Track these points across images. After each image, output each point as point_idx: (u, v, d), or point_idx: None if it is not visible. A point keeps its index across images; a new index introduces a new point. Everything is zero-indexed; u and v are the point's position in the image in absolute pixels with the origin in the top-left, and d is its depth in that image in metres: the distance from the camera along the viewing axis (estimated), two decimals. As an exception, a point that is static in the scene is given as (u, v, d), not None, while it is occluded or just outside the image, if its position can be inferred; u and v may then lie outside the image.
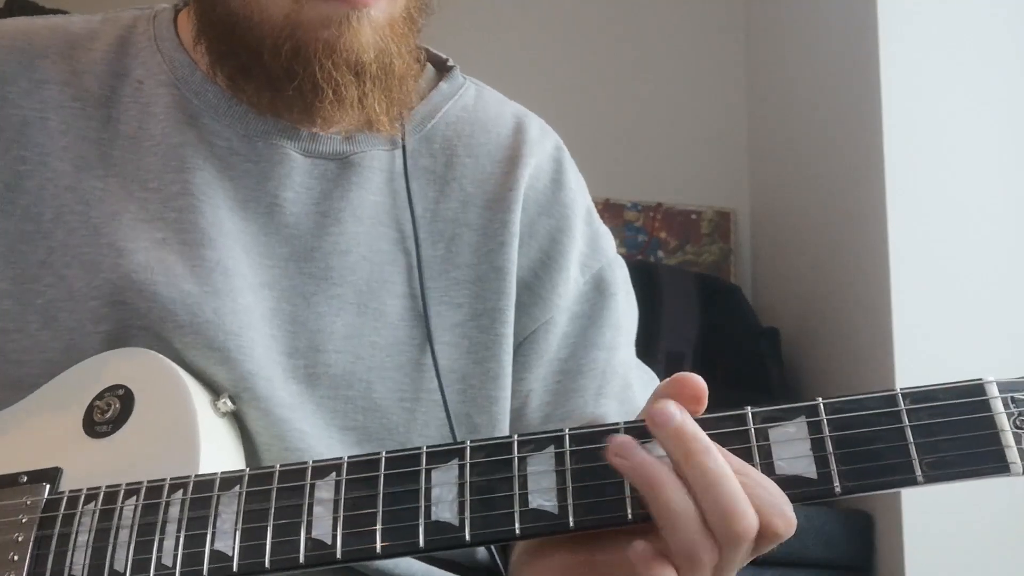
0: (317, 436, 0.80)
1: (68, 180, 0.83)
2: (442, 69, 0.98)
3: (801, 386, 2.14)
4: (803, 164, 2.29)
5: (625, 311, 0.95)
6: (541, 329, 0.90)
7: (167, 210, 0.83)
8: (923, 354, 1.72)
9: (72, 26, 0.91)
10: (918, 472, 0.58)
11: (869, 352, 1.84)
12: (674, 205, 2.55)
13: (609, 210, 2.50)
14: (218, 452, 0.74)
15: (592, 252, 0.95)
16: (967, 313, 1.73)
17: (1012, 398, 0.58)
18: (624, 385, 0.92)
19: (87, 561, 0.65)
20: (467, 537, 0.61)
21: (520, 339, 0.90)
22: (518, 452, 0.63)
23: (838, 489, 0.59)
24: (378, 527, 0.62)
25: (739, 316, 2.22)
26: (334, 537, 0.62)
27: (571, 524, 0.60)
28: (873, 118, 1.84)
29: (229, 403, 0.77)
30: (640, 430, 0.62)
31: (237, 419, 0.79)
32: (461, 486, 0.62)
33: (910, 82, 1.83)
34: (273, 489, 0.65)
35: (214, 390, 0.78)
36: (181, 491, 0.66)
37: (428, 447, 0.64)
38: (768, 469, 0.59)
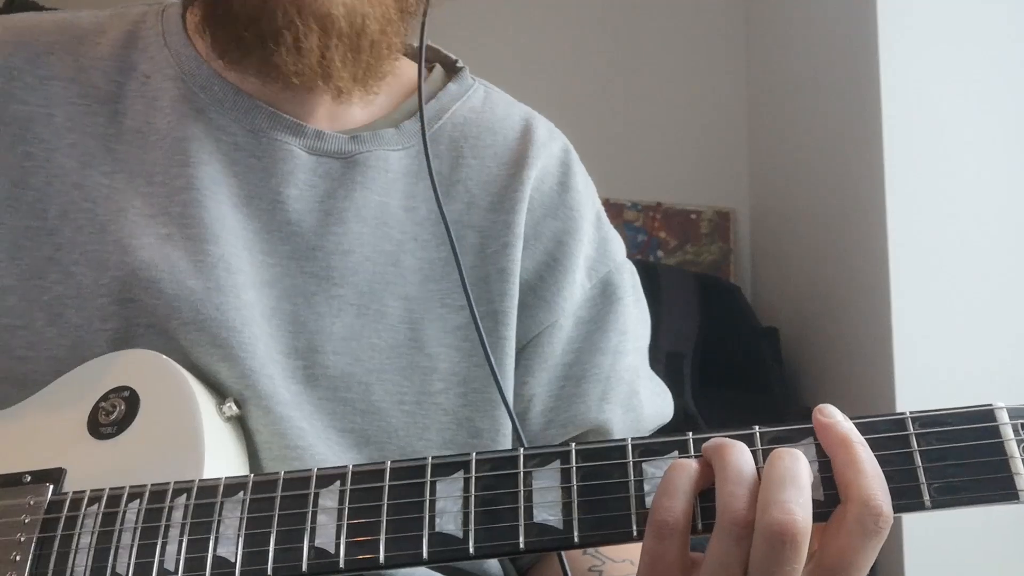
0: (316, 435, 0.80)
1: (74, 177, 0.83)
2: (451, 70, 0.97)
3: (801, 386, 2.13)
4: (803, 164, 2.29)
5: (633, 316, 0.94)
6: (545, 333, 0.89)
7: (172, 204, 0.82)
8: (923, 354, 1.72)
9: (80, 20, 0.91)
10: (926, 497, 0.57)
11: (869, 352, 1.83)
12: (674, 205, 2.55)
13: (609, 210, 2.47)
14: (222, 456, 0.74)
15: (600, 256, 0.94)
16: (967, 313, 1.73)
17: (1022, 425, 0.58)
18: (630, 392, 0.92)
19: (89, 563, 0.65)
20: (471, 550, 0.61)
21: (524, 342, 0.89)
22: (523, 466, 0.62)
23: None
24: (382, 537, 0.62)
25: (739, 316, 2.21)
26: (337, 546, 0.62)
27: (576, 539, 0.60)
28: (873, 118, 1.83)
29: (234, 407, 0.77)
30: (646, 447, 0.62)
31: (240, 417, 0.78)
32: (466, 499, 0.62)
33: (910, 82, 1.82)
34: (277, 496, 0.65)
35: (219, 392, 0.78)
36: (185, 496, 0.66)
37: (433, 459, 0.64)
38: None
